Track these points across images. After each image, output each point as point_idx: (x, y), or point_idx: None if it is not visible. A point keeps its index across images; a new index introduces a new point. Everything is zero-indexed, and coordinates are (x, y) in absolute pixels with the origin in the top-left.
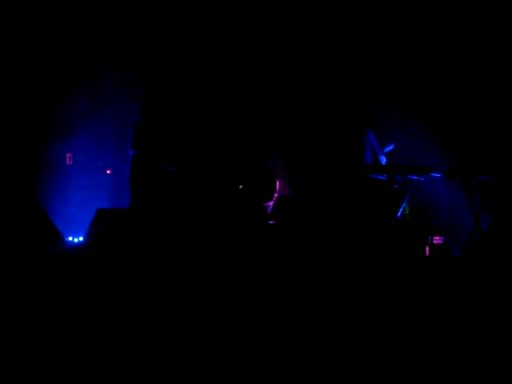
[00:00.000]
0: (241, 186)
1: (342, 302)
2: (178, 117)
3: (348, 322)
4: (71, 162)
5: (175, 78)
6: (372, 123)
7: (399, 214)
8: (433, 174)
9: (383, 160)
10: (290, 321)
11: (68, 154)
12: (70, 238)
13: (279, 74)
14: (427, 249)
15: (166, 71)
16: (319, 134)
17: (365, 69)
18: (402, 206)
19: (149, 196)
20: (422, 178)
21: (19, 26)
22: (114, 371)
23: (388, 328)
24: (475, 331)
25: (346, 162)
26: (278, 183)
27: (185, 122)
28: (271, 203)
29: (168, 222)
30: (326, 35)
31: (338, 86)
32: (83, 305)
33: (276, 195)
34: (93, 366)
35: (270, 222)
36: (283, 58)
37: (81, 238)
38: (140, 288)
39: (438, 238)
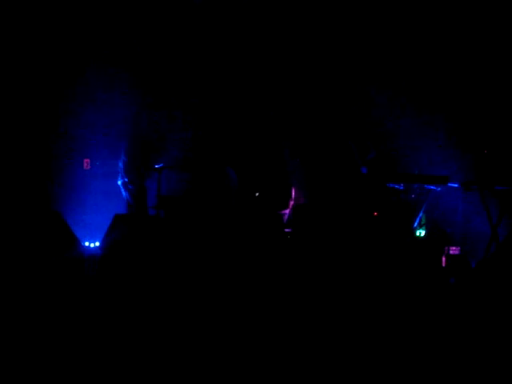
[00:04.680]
0: (257, 194)
1: (357, 311)
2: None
3: (364, 331)
4: (89, 168)
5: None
6: (353, 135)
7: (416, 223)
8: (450, 184)
9: (364, 170)
10: (304, 328)
11: (85, 160)
12: (87, 243)
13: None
14: (444, 259)
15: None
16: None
17: (380, 74)
18: (419, 215)
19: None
20: (439, 188)
21: (46, 37)
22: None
23: (404, 337)
24: (492, 341)
25: (363, 170)
26: (293, 191)
27: (200, 127)
28: (287, 211)
29: (183, 228)
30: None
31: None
32: (97, 309)
33: (292, 203)
34: (101, 366)
35: (286, 230)
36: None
37: (97, 244)
38: (154, 294)
39: (454, 248)
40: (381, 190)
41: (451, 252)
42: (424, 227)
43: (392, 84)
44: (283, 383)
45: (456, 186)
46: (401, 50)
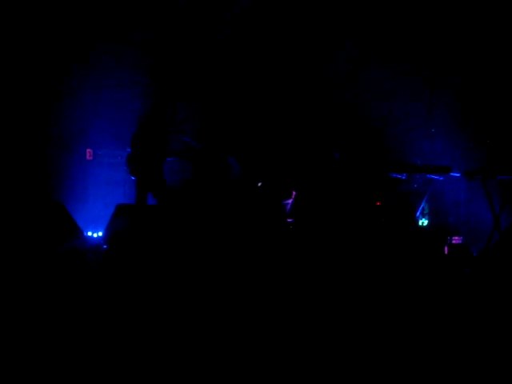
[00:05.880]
0: (259, 184)
1: (359, 302)
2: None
3: (366, 321)
4: (91, 158)
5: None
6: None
7: (418, 213)
8: (452, 174)
9: (336, 155)
10: (305, 320)
11: (88, 150)
12: (90, 233)
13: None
14: (446, 249)
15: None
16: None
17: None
18: (421, 205)
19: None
20: (442, 178)
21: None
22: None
23: (406, 327)
24: (494, 331)
25: (365, 160)
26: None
27: (202, 117)
28: (290, 201)
29: (185, 219)
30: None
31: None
32: (100, 300)
33: (294, 193)
34: (100, 364)
35: (289, 220)
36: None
37: (100, 233)
38: (157, 286)
39: (456, 237)
40: (383, 180)
41: (453, 241)
42: (426, 217)
43: (392, 74)
44: (286, 377)
45: (458, 175)
46: (399, 34)
